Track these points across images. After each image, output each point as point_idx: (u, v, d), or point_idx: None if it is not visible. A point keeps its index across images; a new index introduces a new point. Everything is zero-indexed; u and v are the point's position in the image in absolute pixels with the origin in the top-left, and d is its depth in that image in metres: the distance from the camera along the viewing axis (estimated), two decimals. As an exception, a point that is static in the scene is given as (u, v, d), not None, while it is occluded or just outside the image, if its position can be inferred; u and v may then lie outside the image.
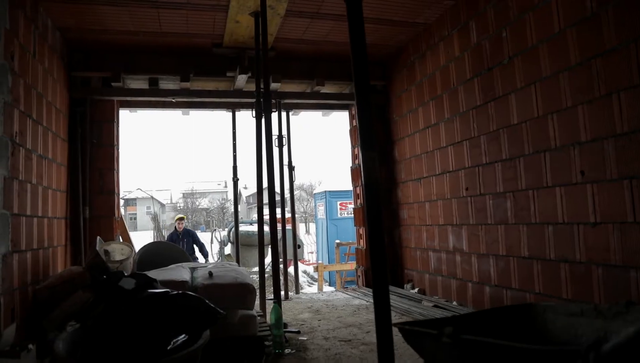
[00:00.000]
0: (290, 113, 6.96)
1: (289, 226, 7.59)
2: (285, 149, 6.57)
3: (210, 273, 3.72)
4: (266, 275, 6.59)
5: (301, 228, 31.21)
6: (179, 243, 8.58)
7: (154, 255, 5.17)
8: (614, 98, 3.18)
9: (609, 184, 3.25)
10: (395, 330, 2.01)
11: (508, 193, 4.27)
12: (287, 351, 3.62)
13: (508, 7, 4.19)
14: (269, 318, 3.83)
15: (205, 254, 9.36)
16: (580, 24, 3.44)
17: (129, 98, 6.11)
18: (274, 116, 5.91)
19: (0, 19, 3.44)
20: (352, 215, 7.54)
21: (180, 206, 51.84)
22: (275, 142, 6.07)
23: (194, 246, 8.99)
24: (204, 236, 10.35)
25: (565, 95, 3.59)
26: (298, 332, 4.18)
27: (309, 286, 12.77)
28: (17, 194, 3.70)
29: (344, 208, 13.89)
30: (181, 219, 9.34)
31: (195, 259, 8.83)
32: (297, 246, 7.68)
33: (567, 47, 3.56)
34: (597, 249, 3.34)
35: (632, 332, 0.81)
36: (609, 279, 3.25)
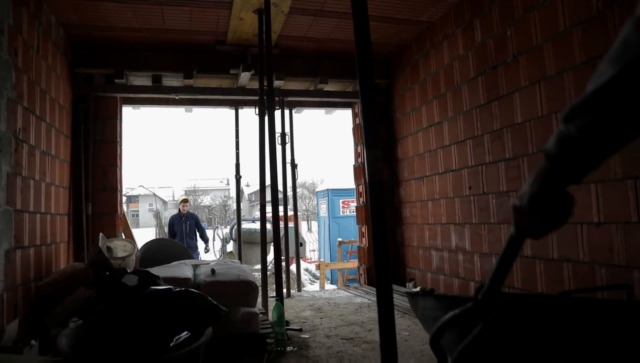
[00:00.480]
0: (293, 111, 6.97)
1: (291, 224, 7.59)
2: (288, 146, 6.58)
3: (213, 271, 3.73)
4: (268, 273, 6.59)
5: (303, 226, 31.25)
6: (181, 225, 8.90)
7: (157, 251, 5.18)
8: (619, 98, 3.16)
9: (613, 184, 3.23)
10: (397, 330, 2.02)
11: (512, 192, 4.26)
12: (289, 349, 3.62)
13: (513, 6, 4.17)
14: (271, 315, 3.83)
15: (205, 240, 9.58)
16: (585, 23, 3.42)
17: (132, 95, 6.11)
18: (277, 113, 5.92)
19: (4, 15, 3.44)
20: (355, 213, 7.53)
21: (182, 203, 51.76)
22: (278, 140, 6.07)
23: (196, 230, 9.18)
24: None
25: (570, 94, 3.57)
26: (300, 330, 4.18)
27: (311, 284, 12.77)
28: (20, 190, 3.70)
29: (346, 206, 13.89)
30: (185, 201, 9.46)
31: (196, 245, 9.07)
32: (300, 244, 7.68)
33: (572, 46, 3.54)
34: (601, 249, 3.33)
35: (489, 277, 1.12)
36: (613, 279, 3.24)
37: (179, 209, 9.30)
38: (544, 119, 3.85)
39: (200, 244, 9.55)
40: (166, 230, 10.33)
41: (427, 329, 1.76)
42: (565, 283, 3.63)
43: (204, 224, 9.99)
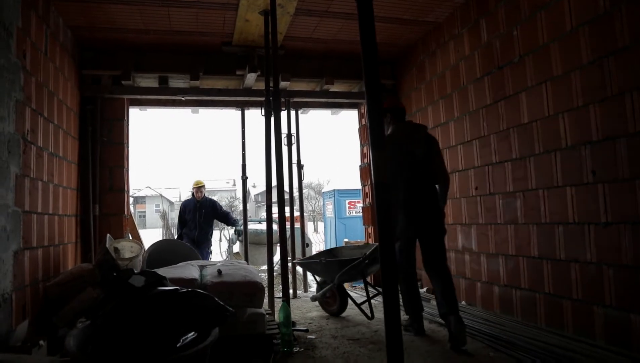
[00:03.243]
0: (300, 112, 6.96)
1: (297, 225, 7.58)
2: (294, 147, 6.58)
3: (219, 271, 3.73)
4: (275, 274, 6.58)
5: (309, 226, 31.22)
6: (194, 212, 7.37)
7: (163, 252, 5.19)
8: (626, 97, 3.14)
9: (620, 185, 3.21)
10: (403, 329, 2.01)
11: (518, 192, 4.24)
12: (295, 349, 3.63)
13: (519, 6, 4.16)
14: (277, 316, 3.84)
15: (232, 221, 7.98)
16: (592, 22, 3.40)
17: (139, 96, 6.14)
18: (283, 114, 5.92)
19: (13, 18, 3.47)
20: (361, 214, 7.52)
21: (189, 204, 51.72)
22: (284, 141, 6.07)
23: (212, 221, 7.59)
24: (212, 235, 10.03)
25: (577, 94, 3.56)
26: (306, 331, 4.18)
27: (317, 284, 12.74)
28: (29, 191, 3.73)
29: (352, 206, 13.86)
30: (200, 187, 7.58)
31: (209, 239, 7.55)
32: (306, 244, 7.67)
33: (578, 46, 3.53)
34: (608, 249, 3.31)
35: (370, 252, 4.36)
36: (620, 279, 3.22)
37: (193, 195, 7.59)
38: (550, 119, 3.84)
39: (225, 235, 8.25)
40: (173, 231, 9.13)
41: (320, 277, 4.99)
42: (573, 284, 3.61)
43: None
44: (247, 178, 6.87)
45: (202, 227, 7.33)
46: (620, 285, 3.23)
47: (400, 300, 3.90)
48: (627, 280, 3.18)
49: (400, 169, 3.95)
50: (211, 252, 7.80)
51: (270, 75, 4.68)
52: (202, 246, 7.22)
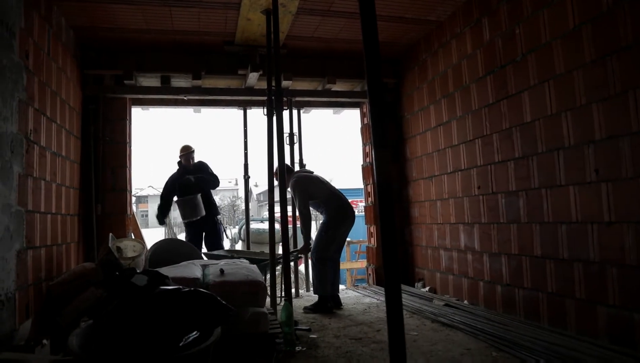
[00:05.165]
0: (302, 111, 6.97)
1: (299, 224, 7.58)
2: (296, 147, 6.59)
3: (222, 271, 3.73)
4: (277, 273, 6.58)
5: (312, 226, 31.06)
6: (186, 185, 6.23)
7: (166, 251, 5.18)
8: (629, 96, 3.13)
9: (624, 183, 3.20)
10: (406, 330, 2.01)
11: (521, 191, 4.23)
12: (297, 348, 3.63)
13: (521, 4, 4.15)
14: (279, 315, 3.84)
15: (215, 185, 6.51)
16: (595, 20, 3.39)
17: (141, 96, 6.15)
18: (285, 113, 5.92)
19: (15, 18, 3.48)
20: (363, 213, 7.52)
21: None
22: (286, 140, 6.07)
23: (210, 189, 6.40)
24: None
25: (580, 93, 3.55)
26: (309, 330, 4.18)
27: (319, 284, 12.73)
28: (32, 191, 3.74)
29: (354, 206, 13.86)
30: (189, 151, 6.41)
31: (217, 214, 6.53)
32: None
33: (581, 44, 3.51)
34: (612, 249, 3.30)
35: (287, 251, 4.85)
36: (624, 279, 3.21)
37: (182, 163, 6.46)
38: (553, 118, 3.82)
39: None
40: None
41: None
42: (576, 283, 3.60)
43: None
44: (249, 177, 6.88)
45: (205, 203, 6.22)
46: (624, 284, 3.22)
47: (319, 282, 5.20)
48: (630, 280, 3.17)
49: (326, 194, 5.37)
50: (222, 236, 6.58)
51: (272, 74, 4.68)
52: (211, 230, 6.36)
